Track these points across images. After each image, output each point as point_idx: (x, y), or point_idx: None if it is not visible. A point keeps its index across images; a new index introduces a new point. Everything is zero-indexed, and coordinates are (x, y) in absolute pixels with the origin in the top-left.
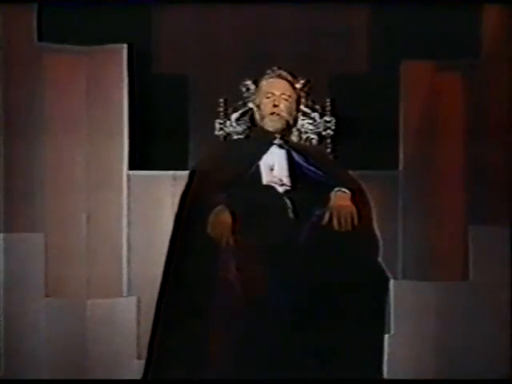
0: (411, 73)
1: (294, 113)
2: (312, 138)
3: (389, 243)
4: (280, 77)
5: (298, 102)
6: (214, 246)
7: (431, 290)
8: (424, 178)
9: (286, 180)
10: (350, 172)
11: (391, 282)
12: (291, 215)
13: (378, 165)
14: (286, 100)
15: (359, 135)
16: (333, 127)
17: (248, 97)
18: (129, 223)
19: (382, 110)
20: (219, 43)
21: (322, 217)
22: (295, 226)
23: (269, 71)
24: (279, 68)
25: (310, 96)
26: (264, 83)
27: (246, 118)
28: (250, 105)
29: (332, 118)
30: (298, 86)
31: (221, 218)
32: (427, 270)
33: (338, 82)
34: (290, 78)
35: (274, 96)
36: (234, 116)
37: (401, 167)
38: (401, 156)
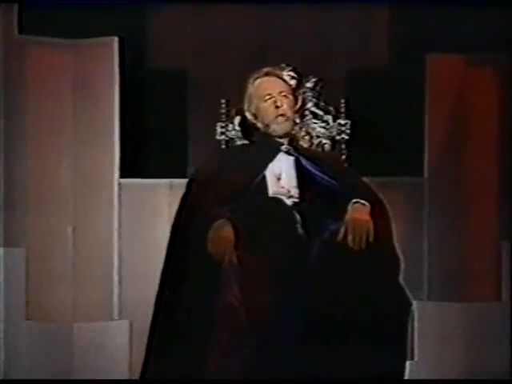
0: (438, 68)
1: (297, 110)
2: (324, 143)
3: (412, 260)
4: (269, 74)
5: (297, 100)
6: (214, 265)
7: (459, 312)
8: (452, 187)
9: (295, 191)
10: (367, 179)
11: (415, 304)
12: (301, 231)
13: (399, 173)
14: (287, 97)
15: (377, 139)
16: (348, 131)
17: None
18: (120, 237)
19: (403, 109)
20: (222, 37)
21: (336, 232)
22: (305, 243)
23: (255, 73)
24: (288, 64)
25: (322, 96)
26: (253, 87)
27: None
28: (247, 115)
29: (347, 121)
30: (292, 82)
31: (222, 234)
32: (455, 290)
33: (354, 80)
34: (280, 73)
35: (273, 97)
36: (238, 119)
37: (426, 174)
38: (426, 162)
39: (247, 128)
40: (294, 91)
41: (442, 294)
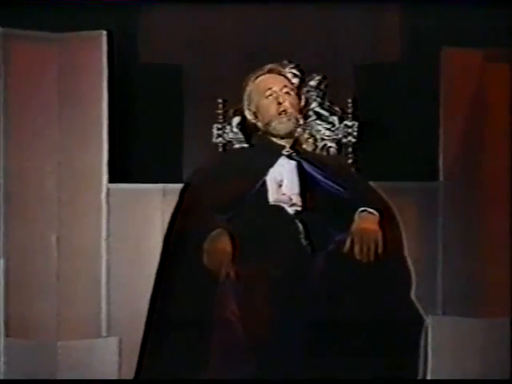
0: (454, 63)
1: (300, 109)
2: (329, 147)
3: (425, 273)
4: (271, 71)
5: (300, 99)
6: (210, 279)
7: (476, 327)
8: (470, 192)
9: (297, 199)
10: (376, 184)
11: (429, 319)
12: (304, 242)
13: (411, 178)
14: (290, 94)
15: (387, 141)
16: (355, 133)
17: None
18: (108, 247)
19: (415, 108)
20: (220, 32)
21: (341, 244)
22: (309, 256)
23: (257, 71)
24: (290, 61)
25: (327, 96)
26: (253, 85)
27: None
28: (246, 114)
29: (354, 122)
30: (294, 80)
31: (219, 245)
32: (471, 305)
33: (361, 78)
34: (282, 70)
35: (274, 93)
36: (236, 120)
37: (441, 178)
38: (440, 164)
39: (247, 129)
40: (298, 90)
41: (458, 309)
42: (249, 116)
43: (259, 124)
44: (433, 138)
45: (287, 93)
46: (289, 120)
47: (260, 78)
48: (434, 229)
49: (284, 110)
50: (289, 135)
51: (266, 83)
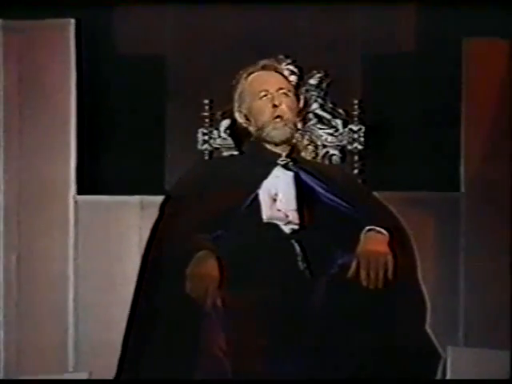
0: (478, 55)
1: (298, 113)
2: (332, 155)
3: (444, 299)
4: (266, 68)
5: (298, 100)
6: (194, 308)
7: (500, 360)
8: (494, 205)
9: (294, 216)
10: (386, 194)
11: (449, 350)
12: (302, 265)
13: (427, 188)
14: (287, 96)
15: (399, 148)
16: (361, 139)
17: None
18: (76, 269)
19: (432, 109)
20: (207, 25)
21: (345, 268)
22: (308, 282)
23: (249, 67)
24: (287, 56)
25: (330, 96)
26: (246, 83)
27: None
28: (237, 117)
29: (360, 127)
30: (292, 78)
31: (204, 269)
32: (495, 335)
33: (369, 75)
34: (279, 67)
35: (269, 94)
36: (224, 124)
37: (463, 189)
38: (462, 172)
39: (237, 134)
40: (296, 90)
41: (481, 339)
42: (239, 119)
43: (251, 129)
44: (452, 142)
45: (284, 94)
46: (285, 125)
47: (253, 76)
48: (453, 249)
49: (280, 116)
50: (285, 142)
51: (260, 82)
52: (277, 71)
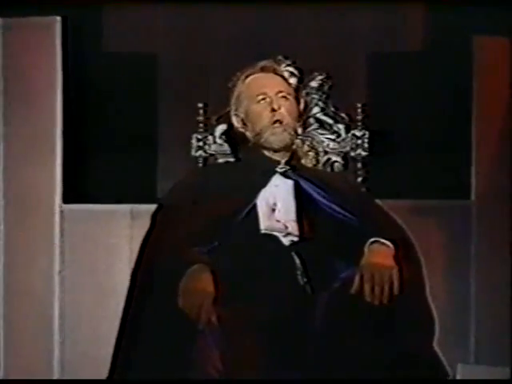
0: (489, 55)
1: (298, 117)
2: (334, 162)
3: (454, 314)
4: (265, 70)
5: (299, 104)
6: (187, 326)
7: None
8: (507, 214)
9: (294, 226)
10: (392, 202)
11: (459, 368)
12: (302, 280)
13: (435, 197)
14: (287, 99)
15: (405, 154)
16: (365, 145)
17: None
18: (62, 283)
19: (440, 112)
20: (201, 23)
21: (348, 282)
22: (308, 296)
23: (247, 69)
24: (286, 57)
25: (331, 99)
26: (243, 86)
27: None
28: (234, 121)
29: (364, 132)
30: (292, 80)
31: (198, 284)
32: (507, 352)
33: (373, 76)
34: (278, 68)
35: (267, 97)
36: (220, 129)
37: (473, 197)
38: (473, 179)
39: (233, 140)
40: (296, 93)
41: (494, 356)
42: (236, 123)
43: (248, 134)
44: (463, 146)
45: (283, 97)
46: (284, 131)
47: (251, 78)
48: (463, 261)
49: (278, 120)
50: (284, 148)
51: (258, 85)
52: (276, 73)
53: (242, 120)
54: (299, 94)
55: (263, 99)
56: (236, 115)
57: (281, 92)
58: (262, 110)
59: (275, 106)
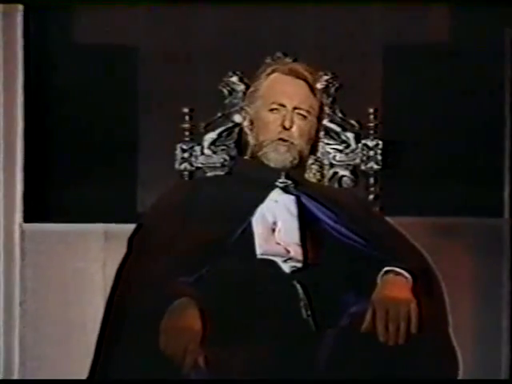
0: None
1: (313, 139)
2: (342, 176)
3: (484, 353)
4: (294, 73)
5: (319, 123)
6: (170, 370)
7: None
8: None
9: (296, 250)
10: (410, 219)
11: None
12: (305, 313)
13: (461, 215)
14: (304, 118)
15: (424, 169)
16: (378, 156)
17: (233, 105)
18: (23, 316)
19: (465, 117)
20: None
21: (359, 318)
22: (312, 334)
23: (269, 61)
24: (285, 54)
25: (339, 103)
26: (265, 83)
27: (230, 141)
28: (237, 119)
29: (377, 142)
30: (319, 85)
31: (182, 322)
32: None
33: (388, 77)
34: (310, 76)
35: (283, 110)
36: (209, 137)
37: (506, 214)
38: (506, 195)
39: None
40: (321, 111)
41: None
42: (244, 121)
43: (250, 139)
44: (494, 157)
45: (301, 115)
46: (287, 151)
47: (275, 76)
48: (494, 287)
49: (284, 140)
50: (282, 169)
51: (278, 90)
52: (305, 80)
53: (251, 121)
54: (323, 113)
55: (276, 109)
56: (246, 112)
57: (299, 109)
58: (272, 121)
59: (287, 124)
